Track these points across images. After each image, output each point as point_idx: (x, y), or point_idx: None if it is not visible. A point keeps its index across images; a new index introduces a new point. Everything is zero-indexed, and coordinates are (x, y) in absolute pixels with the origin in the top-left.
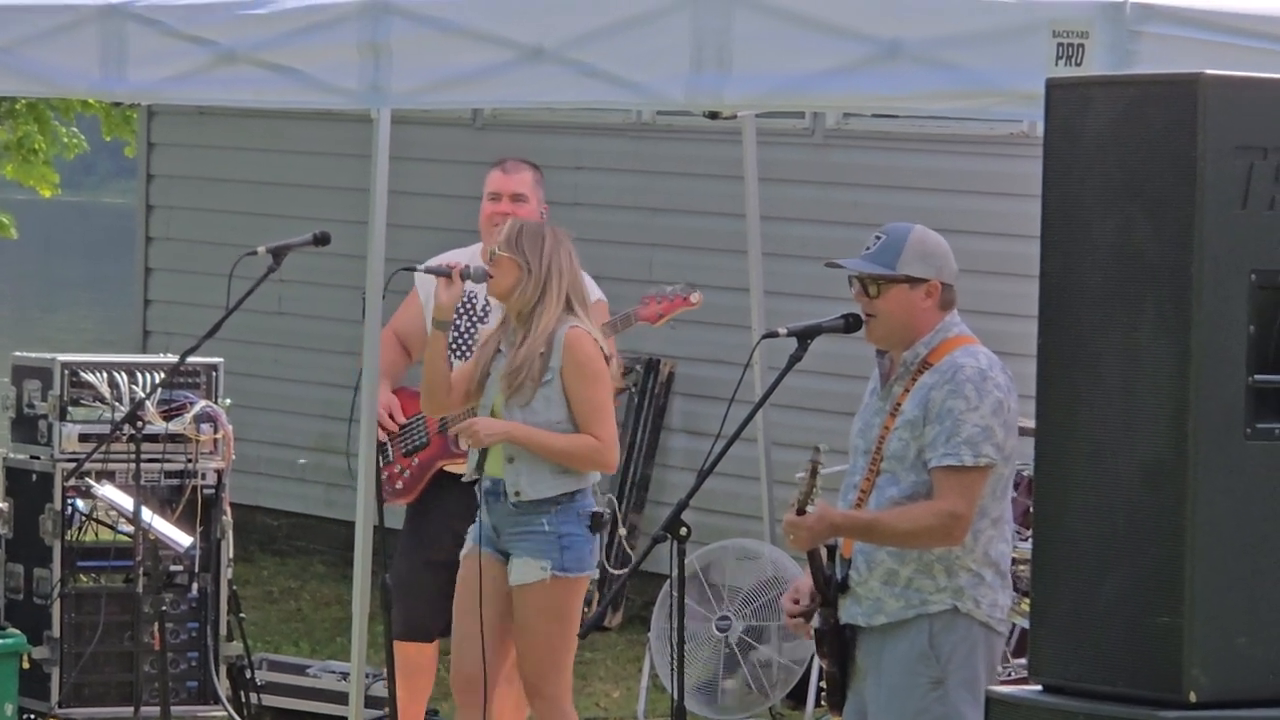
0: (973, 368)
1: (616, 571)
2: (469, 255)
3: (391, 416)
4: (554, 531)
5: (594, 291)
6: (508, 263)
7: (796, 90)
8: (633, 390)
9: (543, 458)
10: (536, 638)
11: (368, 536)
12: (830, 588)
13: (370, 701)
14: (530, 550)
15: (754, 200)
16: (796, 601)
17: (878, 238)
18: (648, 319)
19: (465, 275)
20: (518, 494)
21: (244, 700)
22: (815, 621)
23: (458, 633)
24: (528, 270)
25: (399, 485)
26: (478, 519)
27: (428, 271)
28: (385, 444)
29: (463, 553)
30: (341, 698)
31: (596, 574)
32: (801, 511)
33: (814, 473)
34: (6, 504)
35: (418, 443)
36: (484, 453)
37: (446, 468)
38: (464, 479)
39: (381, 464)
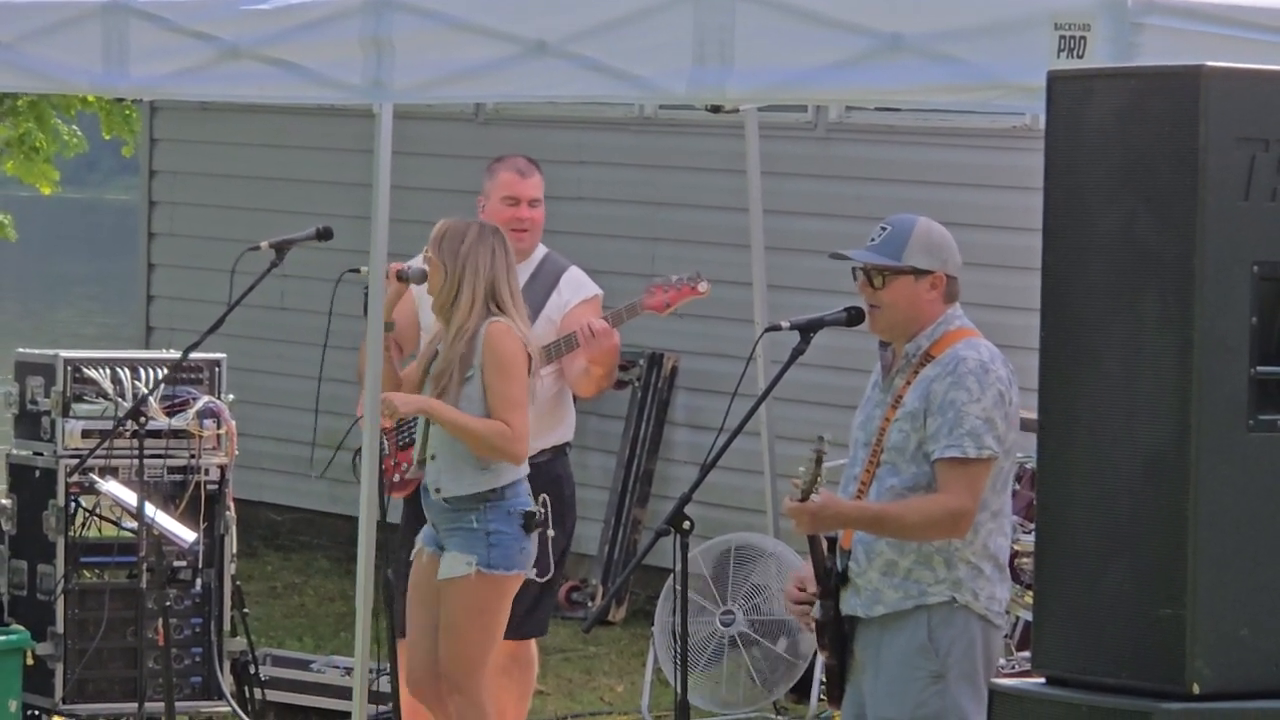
0: (974, 360)
1: (540, 579)
2: None
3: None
4: (482, 529)
5: (590, 287)
6: (434, 264)
7: (799, 84)
8: (636, 384)
9: (473, 451)
10: (458, 633)
11: (371, 531)
12: (830, 579)
13: (374, 697)
14: (459, 545)
15: (756, 194)
16: (801, 589)
17: (883, 229)
18: (654, 308)
19: (402, 277)
20: (438, 490)
21: (248, 696)
22: (816, 613)
23: (409, 634)
24: (445, 271)
25: (397, 478)
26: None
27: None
28: (382, 438)
29: (412, 554)
30: (345, 693)
31: (534, 573)
32: (805, 499)
33: (818, 461)
34: (10, 500)
35: (414, 436)
36: (423, 450)
37: None
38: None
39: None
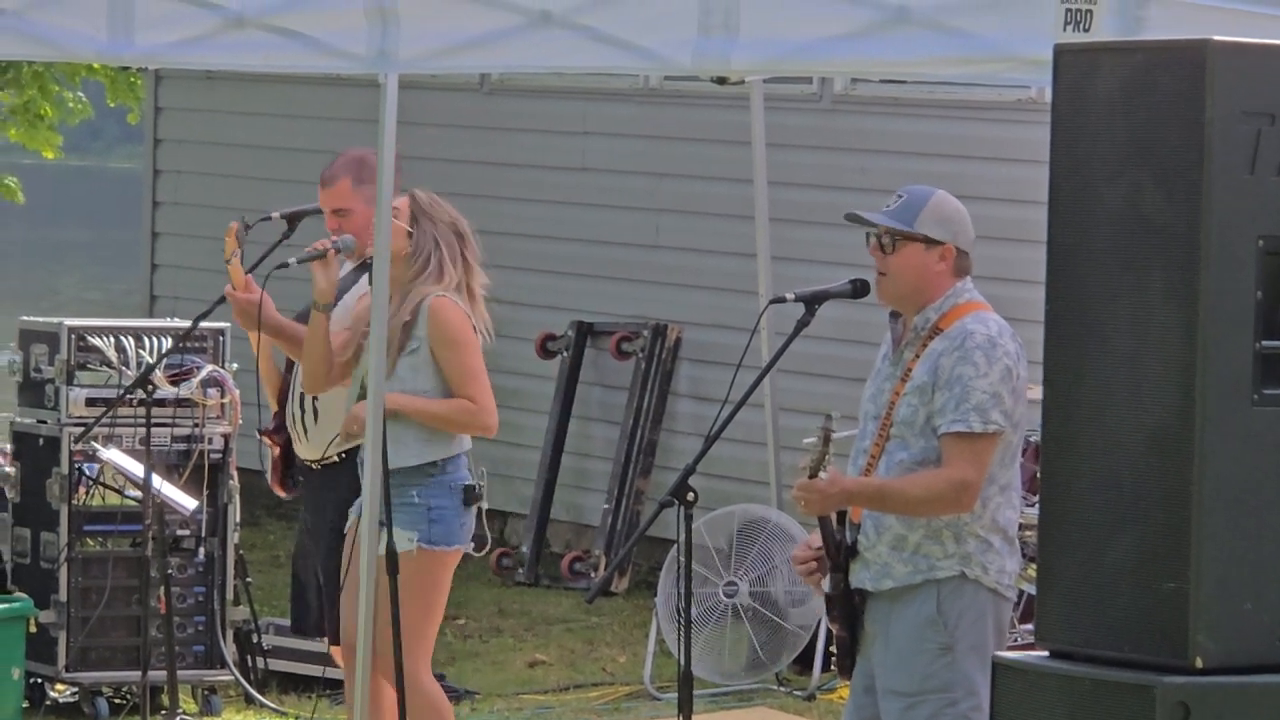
0: (982, 334)
1: (476, 554)
2: None
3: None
4: (423, 504)
5: None
6: (402, 234)
7: (804, 55)
8: (639, 355)
9: (419, 423)
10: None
11: (375, 504)
12: (840, 552)
13: None
14: (400, 521)
15: (761, 166)
16: (810, 550)
17: (899, 197)
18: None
19: (339, 249)
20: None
21: (250, 664)
22: (826, 586)
23: (343, 603)
24: (416, 246)
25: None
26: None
27: (300, 262)
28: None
29: (346, 526)
30: None
31: (471, 547)
32: (814, 477)
33: (826, 439)
34: (14, 468)
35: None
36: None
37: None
38: (322, 459)
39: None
